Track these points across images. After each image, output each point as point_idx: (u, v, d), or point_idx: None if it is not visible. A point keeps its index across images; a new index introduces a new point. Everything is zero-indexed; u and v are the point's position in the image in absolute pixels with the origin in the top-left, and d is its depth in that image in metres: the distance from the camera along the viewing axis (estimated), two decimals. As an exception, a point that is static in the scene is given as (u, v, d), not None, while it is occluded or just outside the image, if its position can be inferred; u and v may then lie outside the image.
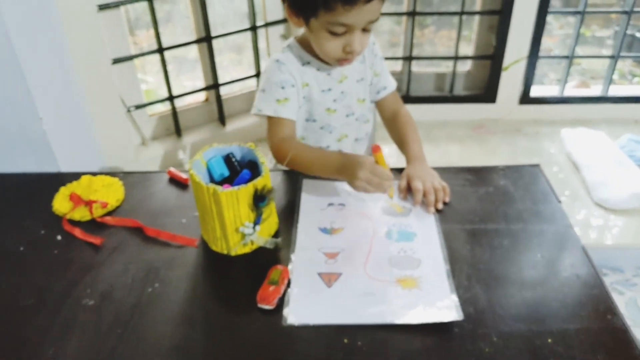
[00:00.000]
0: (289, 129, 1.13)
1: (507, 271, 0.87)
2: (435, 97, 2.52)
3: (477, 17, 2.39)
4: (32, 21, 1.12)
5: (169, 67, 2.07)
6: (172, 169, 1.14)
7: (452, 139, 2.38)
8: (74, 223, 1.00)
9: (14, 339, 0.76)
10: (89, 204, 1.02)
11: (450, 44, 2.45)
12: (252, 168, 0.91)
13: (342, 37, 1.01)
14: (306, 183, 1.08)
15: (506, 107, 2.50)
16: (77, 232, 0.97)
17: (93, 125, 1.38)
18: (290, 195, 1.05)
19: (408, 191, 1.05)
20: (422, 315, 0.77)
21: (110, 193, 1.07)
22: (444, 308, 0.78)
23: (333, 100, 1.18)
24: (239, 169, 0.92)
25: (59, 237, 0.97)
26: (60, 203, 1.04)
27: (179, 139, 2.21)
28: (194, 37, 2.11)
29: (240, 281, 0.85)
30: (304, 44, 1.14)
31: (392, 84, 1.27)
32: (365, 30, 1.03)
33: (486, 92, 2.48)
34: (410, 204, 1.03)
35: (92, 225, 0.99)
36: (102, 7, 1.78)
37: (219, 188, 0.81)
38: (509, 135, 2.42)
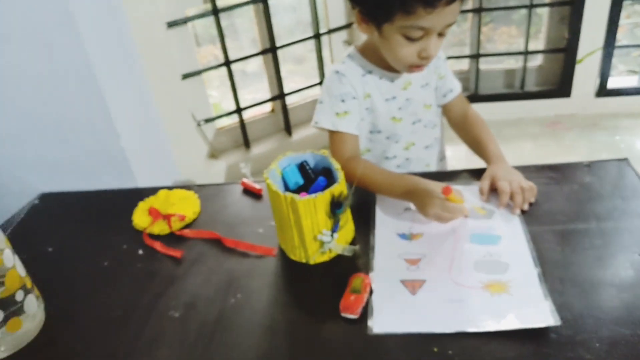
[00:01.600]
0: (352, 144, 1.11)
1: (603, 272, 0.81)
2: (506, 94, 2.44)
3: (546, 10, 2.29)
4: (108, 41, 1.18)
5: (228, 82, 2.14)
6: (245, 180, 1.16)
7: (526, 137, 2.29)
8: (154, 237, 1.03)
9: (105, 351, 0.79)
10: (167, 217, 1.06)
11: (512, 41, 2.36)
12: (327, 175, 0.91)
13: (418, 42, 0.99)
14: None
15: (582, 101, 2.38)
16: (158, 246, 1.00)
17: (167, 140, 1.43)
18: (365, 202, 1.03)
19: (491, 192, 1.01)
20: (515, 321, 0.73)
21: (187, 206, 1.10)
22: (538, 313, 0.74)
23: (398, 108, 1.16)
24: (313, 177, 0.92)
25: (140, 252, 1.00)
26: (140, 218, 1.08)
27: (247, 151, 2.27)
28: (257, 49, 2.16)
29: (321, 290, 0.85)
30: (366, 53, 1.12)
31: (457, 86, 1.24)
32: (440, 34, 1.00)
33: (560, 87, 2.37)
34: (493, 205, 0.99)
35: (172, 239, 1.02)
36: (171, 24, 1.86)
37: (296, 197, 0.81)
38: (587, 130, 2.30)
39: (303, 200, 0.81)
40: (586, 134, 2.27)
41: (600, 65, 2.28)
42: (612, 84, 2.34)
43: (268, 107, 2.33)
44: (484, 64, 2.41)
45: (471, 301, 0.78)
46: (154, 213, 1.08)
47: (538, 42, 2.37)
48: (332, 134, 1.12)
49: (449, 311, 0.77)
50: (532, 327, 0.72)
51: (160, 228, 1.05)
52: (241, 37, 2.34)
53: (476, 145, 1.16)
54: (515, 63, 2.43)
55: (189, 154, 2.00)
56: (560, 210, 0.97)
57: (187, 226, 1.06)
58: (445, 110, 1.26)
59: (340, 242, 0.89)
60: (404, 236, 0.93)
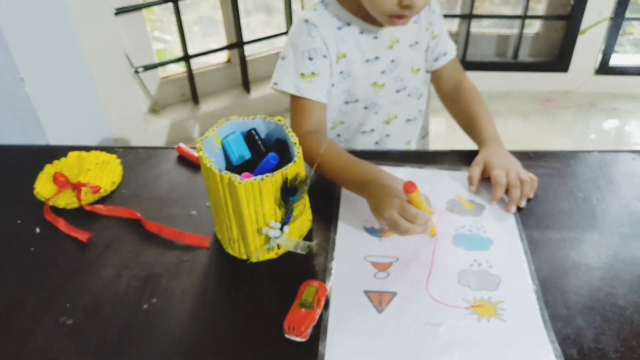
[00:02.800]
0: (317, 115, 0.94)
1: (623, 295, 0.69)
2: (497, 63, 2.30)
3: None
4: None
5: (195, 29, 1.90)
6: (182, 145, 0.99)
7: (515, 114, 2.16)
8: (59, 211, 0.87)
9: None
10: (77, 187, 0.89)
11: (494, 9, 2.21)
12: (281, 149, 0.74)
13: None
14: None
15: (580, 77, 2.26)
16: (61, 224, 0.84)
17: (94, 88, 1.23)
18: (327, 185, 0.87)
19: (482, 182, 0.87)
20: (508, 357, 0.60)
21: (105, 174, 0.93)
22: (537, 349, 0.61)
23: (381, 72, 1.00)
24: (264, 151, 0.76)
25: (37, 230, 0.83)
26: (43, 185, 0.91)
27: (196, 107, 2.06)
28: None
29: (264, 298, 0.70)
30: (344, 1, 0.95)
31: (452, 49, 1.09)
32: None
33: (557, 60, 2.25)
34: (484, 199, 0.85)
35: (80, 215, 0.86)
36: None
37: (236, 177, 0.65)
38: (583, 110, 2.19)
39: (245, 183, 0.65)
40: (582, 115, 2.16)
41: (606, 38, 2.15)
42: (614, 61, 2.23)
43: (224, 56, 2.11)
44: (476, 27, 2.25)
45: (453, 326, 0.65)
46: (60, 181, 0.90)
47: (541, 7, 2.22)
48: (295, 99, 0.95)
49: (424, 337, 0.63)
50: (530, 369, 0.59)
51: (67, 200, 0.88)
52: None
53: (469, 123, 1.01)
54: (509, 29, 2.28)
55: (123, 107, 1.77)
56: (564, 211, 0.84)
57: (102, 200, 0.89)
58: (435, 77, 1.10)
59: (292, 236, 0.74)
60: (372, 231, 0.79)
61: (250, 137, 0.76)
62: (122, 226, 0.83)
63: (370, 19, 0.94)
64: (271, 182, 0.66)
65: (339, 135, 1.08)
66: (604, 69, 2.25)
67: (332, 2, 0.96)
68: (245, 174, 0.68)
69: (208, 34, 2.39)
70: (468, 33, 2.23)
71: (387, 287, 0.70)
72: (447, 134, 1.90)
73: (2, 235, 0.83)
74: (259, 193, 0.66)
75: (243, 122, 0.76)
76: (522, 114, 2.17)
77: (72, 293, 0.72)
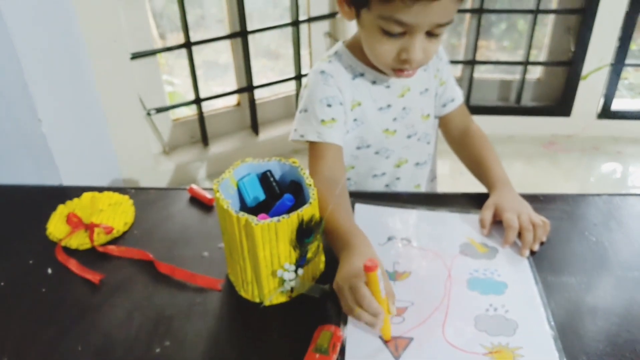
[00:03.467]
0: (335, 158, 0.94)
1: (637, 341, 0.67)
2: (500, 107, 2.32)
3: (551, 18, 2.18)
4: (36, 4, 0.99)
5: (198, 72, 1.93)
6: (194, 187, 0.99)
7: (519, 157, 2.17)
8: (71, 252, 0.86)
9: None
10: (90, 228, 0.88)
11: (490, 54, 2.25)
12: (295, 191, 0.74)
13: (399, 39, 0.84)
14: (359, 209, 0.91)
15: (582, 121, 2.29)
16: (73, 265, 0.83)
17: (107, 130, 1.24)
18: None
19: (494, 226, 0.86)
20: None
21: (117, 215, 0.93)
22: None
23: (393, 119, 1.01)
24: (278, 192, 0.76)
25: (49, 270, 0.82)
26: (56, 226, 0.91)
27: (205, 149, 2.07)
28: (227, 33, 1.98)
29: (278, 343, 0.69)
30: (356, 50, 0.97)
31: (459, 95, 1.10)
32: (432, 34, 0.84)
33: (560, 104, 2.27)
34: (496, 243, 0.84)
35: (93, 255, 0.85)
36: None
37: (252, 219, 0.65)
38: (587, 154, 2.20)
39: (262, 224, 0.64)
40: (586, 159, 2.17)
41: (607, 83, 2.19)
42: (615, 105, 2.25)
43: (234, 100, 2.15)
44: (479, 73, 2.29)
45: (471, 373, 0.62)
46: (73, 221, 0.90)
47: (542, 53, 2.27)
48: (314, 145, 0.94)
49: (442, 386, 0.61)
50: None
51: (80, 241, 0.88)
52: (208, 22, 2.15)
53: (477, 166, 1.02)
54: (511, 74, 2.32)
55: (134, 149, 1.79)
56: (577, 254, 0.83)
57: (114, 241, 0.89)
58: (444, 122, 1.11)
59: (306, 278, 0.73)
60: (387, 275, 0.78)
61: (265, 178, 0.76)
62: (134, 267, 0.82)
63: (381, 70, 0.95)
64: (287, 224, 0.66)
65: (349, 178, 1.08)
66: (606, 113, 2.27)
67: (345, 54, 0.98)
68: (262, 215, 0.68)
69: (210, 78, 2.44)
70: (471, 78, 2.26)
71: (403, 332, 0.68)
72: (452, 177, 1.91)
73: (14, 275, 0.82)
74: (275, 234, 0.66)
75: (258, 163, 0.77)
76: (527, 157, 2.18)
77: (83, 333, 0.71)
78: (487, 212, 0.87)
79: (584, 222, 0.91)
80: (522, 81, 2.25)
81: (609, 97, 2.24)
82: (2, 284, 0.80)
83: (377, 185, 1.08)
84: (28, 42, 0.96)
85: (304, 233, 0.68)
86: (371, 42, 0.87)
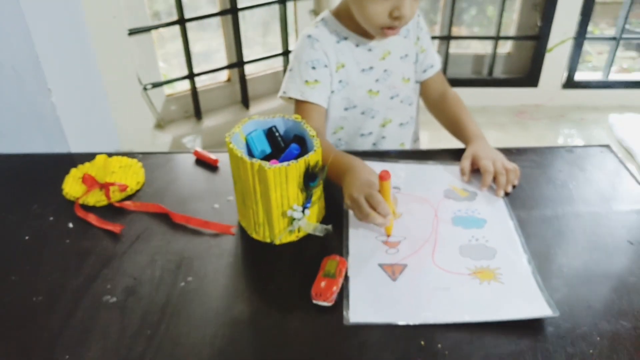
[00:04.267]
0: (318, 118, 1.03)
1: (598, 261, 0.79)
2: (474, 80, 2.43)
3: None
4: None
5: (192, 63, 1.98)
6: (199, 149, 1.06)
7: (493, 125, 2.29)
8: (88, 208, 0.92)
9: (23, 343, 0.68)
10: (105, 186, 0.94)
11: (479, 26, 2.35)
12: (299, 143, 0.82)
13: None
14: None
15: (549, 91, 2.41)
16: (92, 219, 0.89)
17: (107, 103, 1.30)
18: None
19: (472, 174, 0.96)
20: (509, 311, 0.68)
21: (129, 175, 0.99)
22: (534, 303, 0.70)
23: (375, 80, 1.09)
24: (283, 146, 0.83)
25: (70, 225, 0.88)
26: (72, 186, 0.96)
27: (199, 122, 2.13)
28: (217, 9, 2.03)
29: (289, 274, 0.77)
30: (341, 17, 1.05)
31: (438, 62, 1.19)
32: None
33: (528, 76, 2.39)
34: (475, 187, 0.94)
35: (110, 211, 0.91)
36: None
37: (265, 164, 0.72)
38: (554, 121, 2.33)
39: (273, 168, 0.72)
40: (553, 125, 2.30)
41: (570, 56, 2.31)
42: (578, 76, 2.38)
43: (224, 75, 2.20)
44: (453, 48, 2.38)
45: (459, 289, 0.72)
46: (89, 181, 0.96)
47: (512, 29, 2.37)
48: (299, 104, 1.04)
49: (435, 299, 0.71)
50: (529, 317, 0.67)
51: (97, 198, 0.93)
52: (200, 3, 2.18)
53: (454, 125, 1.12)
54: (483, 49, 2.42)
55: (131, 122, 1.84)
56: (545, 195, 0.94)
57: (129, 198, 0.95)
58: (423, 87, 1.21)
59: (311, 220, 0.81)
60: None
61: (271, 133, 0.84)
62: (151, 220, 0.89)
63: (364, 34, 1.04)
64: (296, 168, 0.74)
65: (340, 139, 1.17)
66: (570, 83, 2.40)
67: (330, 20, 1.06)
68: (273, 161, 0.76)
69: (203, 61, 2.46)
70: (447, 53, 2.36)
71: (398, 260, 0.78)
72: (431, 144, 2.00)
73: (37, 231, 0.87)
74: (285, 178, 0.74)
75: (264, 120, 0.84)
76: (499, 126, 2.29)
77: (111, 276, 0.77)
78: (466, 162, 0.97)
79: (551, 169, 1.01)
80: (494, 55, 2.36)
81: (572, 69, 2.36)
82: (26, 237, 0.86)
83: (365, 144, 1.17)
84: (38, 18, 1.01)
85: (310, 177, 0.76)
86: (364, 3, 0.94)
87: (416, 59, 1.15)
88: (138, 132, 1.88)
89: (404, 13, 0.93)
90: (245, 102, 2.22)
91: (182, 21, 1.92)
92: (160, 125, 2.06)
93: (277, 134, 0.84)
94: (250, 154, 0.84)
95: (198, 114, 2.12)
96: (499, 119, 2.33)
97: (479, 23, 2.45)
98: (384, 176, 0.75)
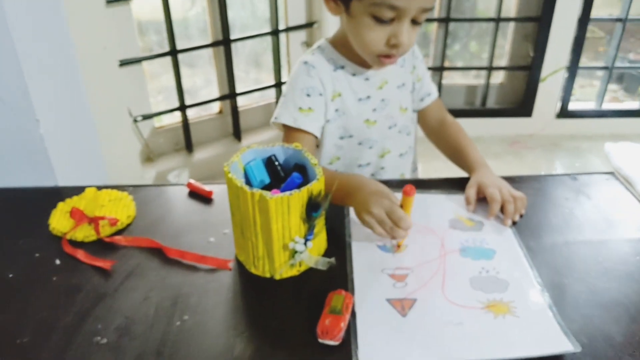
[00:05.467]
0: (308, 146, 1.01)
1: (612, 289, 0.77)
2: (467, 110, 2.45)
3: (511, 26, 2.33)
4: (35, 12, 1.02)
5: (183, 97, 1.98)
6: (192, 181, 1.03)
7: (487, 155, 2.25)
8: (77, 244, 0.89)
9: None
10: (94, 221, 0.91)
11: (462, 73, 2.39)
12: (300, 172, 0.80)
13: (389, 26, 0.92)
14: None
15: (542, 121, 2.43)
16: (81, 255, 0.86)
17: (96, 135, 1.27)
18: (336, 208, 0.93)
19: (478, 202, 0.95)
20: (528, 348, 0.66)
21: (120, 209, 0.96)
22: (553, 337, 0.67)
23: (372, 109, 1.08)
24: (282, 175, 0.81)
25: (57, 261, 0.85)
26: (59, 221, 0.93)
27: (189, 155, 2.11)
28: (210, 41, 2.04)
29: (292, 310, 0.74)
30: (337, 45, 1.05)
31: (435, 90, 1.20)
32: (415, 22, 0.93)
33: (521, 106, 2.41)
34: (481, 216, 0.92)
35: (99, 247, 0.88)
36: (110, 1, 1.70)
37: (266, 193, 0.70)
38: (548, 150, 2.35)
39: (275, 198, 0.70)
40: (548, 155, 2.32)
41: (563, 85, 2.34)
42: (572, 106, 2.41)
43: (216, 107, 2.20)
44: (446, 79, 2.41)
45: (473, 324, 0.69)
46: (77, 215, 0.93)
47: (503, 59, 2.41)
48: (290, 131, 1.02)
49: (448, 336, 0.68)
50: (549, 354, 0.64)
51: (85, 233, 0.90)
52: (192, 31, 2.20)
53: (455, 153, 1.11)
54: (476, 80, 2.45)
55: (120, 155, 1.81)
56: (553, 223, 0.93)
57: (119, 232, 0.92)
58: (422, 115, 1.20)
59: (313, 252, 0.79)
60: (384, 248, 0.85)
61: (270, 162, 0.82)
62: (143, 255, 0.86)
63: (361, 63, 1.03)
64: (298, 197, 0.72)
65: (336, 170, 1.15)
66: (564, 113, 2.43)
67: (327, 48, 1.06)
68: (274, 190, 0.74)
69: (194, 93, 2.46)
70: (440, 84, 2.39)
71: (407, 294, 0.75)
72: (427, 174, 2.01)
73: (22, 268, 0.83)
74: (287, 208, 0.71)
75: (263, 149, 0.82)
76: (494, 155, 2.30)
77: (102, 315, 0.73)
78: (471, 190, 0.96)
79: (556, 196, 1.00)
80: (487, 85, 2.39)
81: (565, 99, 2.40)
82: (10, 275, 0.82)
83: (364, 175, 1.15)
84: (29, 48, 0.99)
85: (312, 207, 0.74)
86: (361, 31, 0.94)
87: (413, 88, 1.15)
88: (127, 166, 1.85)
89: (401, 41, 0.93)
90: (237, 134, 2.22)
91: (174, 52, 1.93)
92: (150, 158, 2.04)
93: (276, 162, 0.82)
94: (249, 184, 0.82)
95: (189, 146, 2.10)
96: (493, 149, 2.35)
97: (469, 56, 2.49)
98: (408, 191, 0.77)
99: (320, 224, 0.79)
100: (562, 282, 0.78)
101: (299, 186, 0.75)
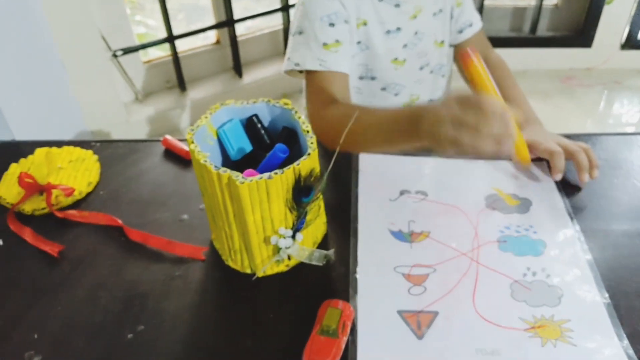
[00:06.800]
0: (342, 87, 0.83)
1: None
2: (513, 38, 2.21)
3: None
4: None
5: (178, 16, 1.77)
6: (169, 137, 0.89)
7: (534, 93, 2.07)
8: (26, 218, 0.76)
9: None
10: (46, 189, 0.78)
11: None
12: (289, 140, 0.63)
13: None
14: (364, 159, 0.81)
15: (604, 52, 2.18)
16: (27, 234, 0.74)
17: (64, 74, 1.11)
18: (342, 179, 0.77)
19: (526, 172, 0.77)
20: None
21: (80, 173, 0.83)
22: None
23: (403, 45, 0.91)
24: (268, 142, 0.65)
25: (0, 242, 0.72)
26: (8, 188, 0.81)
27: (183, 94, 1.95)
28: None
29: (274, 322, 0.60)
30: None
31: (478, 20, 1.00)
32: None
33: (579, 34, 2.16)
34: (529, 191, 0.75)
35: (51, 222, 0.76)
36: None
37: (237, 176, 0.54)
38: (609, 88, 2.10)
39: (249, 182, 0.54)
40: (609, 94, 2.07)
41: (634, 8, 2.06)
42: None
43: (212, 37, 2.00)
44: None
45: (512, 354, 0.54)
46: (27, 182, 0.79)
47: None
48: (314, 76, 0.83)
49: (478, 371, 0.53)
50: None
51: (35, 205, 0.79)
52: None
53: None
54: (525, 1, 2.19)
55: (100, 96, 1.65)
56: (625, 203, 0.75)
57: (76, 204, 0.79)
58: (458, 51, 1.01)
59: (306, 244, 0.63)
60: (399, 235, 0.69)
61: (251, 125, 0.65)
62: (100, 234, 0.73)
63: None
64: (281, 181, 0.55)
65: None
66: (631, 43, 2.16)
67: None
68: (249, 170, 0.58)
69: (192, 22, 2.29)
70: (482, 6, 2.13)
71: (425, 305, 0.59)
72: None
73: (-43, 249, 0.72)
74: (266, 194, 0.55)
75: (242, 107, 0.65)
76: (542, 94, 2.08)
77: (39, 320, 0.61)
78: None
79: (627, 165, 0.81)
80: (539, 7, 2.12)
81: (635, 24, 2.12)
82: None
83: None
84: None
85: (302, 191, 0.58)
86: None
87: (451, 16, 0.95)
88: (110, 109, 1.70)
89: None
90: (237, 68, 2.02)
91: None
92: (138, 98, 1.88)
93: (259, 125, 0.65)
94: (225, 151, 0.65)
95: (182, 83, 1.93)
96: (541, 86, 2.11)
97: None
98: (468, 54, 0.62)
99: (315, 209, 0.62)
100: (637, 293, 0.61)
101: (284, 163, 0.58)
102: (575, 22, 2.18)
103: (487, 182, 0.77)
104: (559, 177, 0.74)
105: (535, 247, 0.67)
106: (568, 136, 0.81)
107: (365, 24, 0.86)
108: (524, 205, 0.73)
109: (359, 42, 0.88)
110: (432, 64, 0.95)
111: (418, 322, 0.57)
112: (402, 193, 0.75)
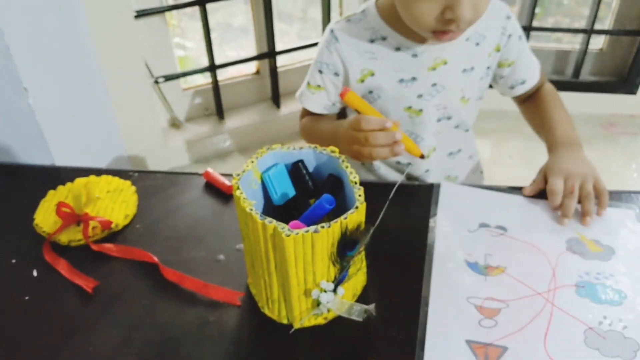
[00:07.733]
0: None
1: None
2: (555, 82, 2.14)
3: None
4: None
5: (212, 36, 1.80)
6: (211, 171, 0.88)
7: (576, 139, 2.03)
8: (61, 248, 0.76)
9: None
10: (83, 220, 0.77)
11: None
12: (334, 188, 0.62)
13: None
14: (446, 188, 0.81)
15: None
16: (62, 266, 0.73)
17: (108, 100, 1.13)
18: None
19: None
20: None
21: (117, 205, 0.83)
22: None
23: (417, 95, 0.89)
24: (312, 189, 0.64)
25: (35, 273, 0.72)
26: (44, 217, 0.81)
27: (221, 122, 1.96)
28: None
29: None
30: (385, 11, 0.86)
31: (534, 75, 0.96)
32: None
33: (624, 79, 2.11)
34: (612, 240, 0.72)
35: (87, 254, 0.75)
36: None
37: (283, 228, 0.53)
38: (653, 137, 2.05)
39: (295, 235, 0.52)
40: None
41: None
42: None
43: (253, 67, 2.02)
44: (532, 41, 2.12)
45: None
46: (64, 212, 0.79)
47: (606, 21, 2.09)
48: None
49: None
50: None
51: (72, 237, 0.78)
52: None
53: (541, 126, 0.93)
54: (569, 44, 2.16)
55: (140, 122, 1.67)
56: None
57: (112, 236, 0.79)
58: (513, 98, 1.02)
59: (346, 297, 0.62)
60: (475, 267, 0.68)
61: (296, 170, 0.64)
62: (135, 271, 0.72)
63: (410, 34, 0.84)
64: (327, 235, 0.54)
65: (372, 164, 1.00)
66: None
67: (371, 13, 0.88)
68: (294, 222, 0.57)
69: (225, 42, 2.31)
70: (525, 47, 2.11)
71: (495, 338, 0.59)
72: (492, 164, 1.79)
73: (-6, 278, 0.72)
74: (310, 248, 0.54)
75: (288, 152, 0.64)
76: (584, 140, 2.02)
77: (69, 360, 0.60)
78: (538, 176, 0.81)
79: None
80: (584, 52, 2.08)
81: (681, 72, 2.07)
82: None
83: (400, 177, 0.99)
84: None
85: (346, 245, 0.56)
86: (408, 2, 0.76)
87: (486, 74, 0.93)
88: (149, 134, 1.72)
89: (459, 14, 0.72)
90: (275, 99, 2.03)
91: (202, 1, 1.74)
92: (175, 124, 1.90)
93: (304, 171, 0.64)
94: (268, 196, 0.65)
95: (220, 111, 1.95)
96: (581, 131, 2.06)
97: (563, 13, 2.19)
98: (342, 93, 0.71)
99: (358, 262, 0.61)
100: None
101: (328, 214, 0.57)
102: (620, 67, 2.14)
103: (571, 225, 0.75)
104: (626, 247, 0.71)
105: (614, 296, 0.64)
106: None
107: (372, 74, 0.88)
108: (607, 253, 0.71)
109: (370, 92, 0.90)
110: (454, 118, 0.94)
111: (486, 354, 0.57)
112: (481, 225, 0.74)
